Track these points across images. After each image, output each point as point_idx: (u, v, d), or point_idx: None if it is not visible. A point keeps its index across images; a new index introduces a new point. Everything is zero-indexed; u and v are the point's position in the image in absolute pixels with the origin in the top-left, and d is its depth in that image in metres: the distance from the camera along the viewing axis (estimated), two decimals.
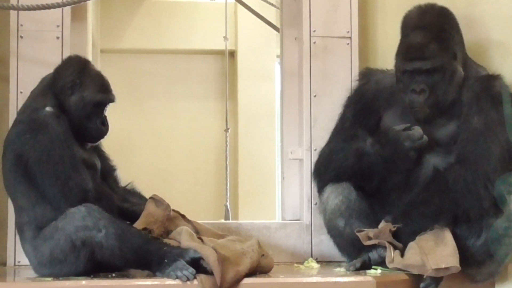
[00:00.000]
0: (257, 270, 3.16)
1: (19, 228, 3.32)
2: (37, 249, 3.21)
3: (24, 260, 3.48)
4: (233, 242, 3.21)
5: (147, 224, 3.36)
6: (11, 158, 3.27)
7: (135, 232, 3.15)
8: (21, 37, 3.86)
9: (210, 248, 3.03)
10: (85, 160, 3.36)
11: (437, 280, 3.15)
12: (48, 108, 3.29)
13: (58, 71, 3.46)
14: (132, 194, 3.60)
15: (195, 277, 2.97)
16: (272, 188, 7.36)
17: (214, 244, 3.13)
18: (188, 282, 2.96)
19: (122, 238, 3.06)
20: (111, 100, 3.49)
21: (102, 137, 3.51)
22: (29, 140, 3.22)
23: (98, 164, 3.50)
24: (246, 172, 7.60)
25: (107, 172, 3.59)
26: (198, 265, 3.02)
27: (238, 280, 3.01)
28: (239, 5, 6.13)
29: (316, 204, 3.89)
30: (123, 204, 3.49)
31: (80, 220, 3.07)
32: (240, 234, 3.76)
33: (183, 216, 3.51)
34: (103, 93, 3.46)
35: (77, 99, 3.39)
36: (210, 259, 2.97)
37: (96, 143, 3.55)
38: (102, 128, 3.46)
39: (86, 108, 3.41)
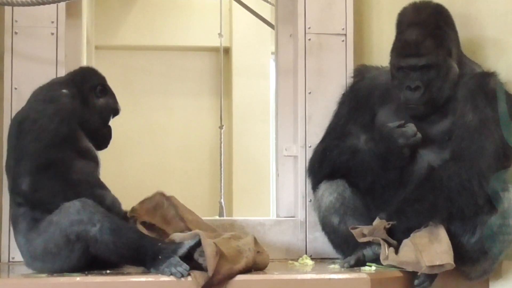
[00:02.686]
0: (252, 267, 3.15)
1: (14, 220, 3.28)
2: (30, 242, 3.19)
3: (18, 256, 3.46)
4: (229, 240, 3.19)
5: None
6: (14, 127, 3.27)
7: (130, 227, 3.15)
8: (16, 33, 3.85)
9: (210, 240, 3.03)
10: (88, 151, 3.38)
11: (431, 277, 3.16)
12: (65, 90, 3.35)
13: (83, 73, 3.56)
14: None
15: (189, 274, 2.96)
16: (267, 185, 7.34)
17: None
18: (182, 279, 2.96)
19: (117, 232, 3.05)
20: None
21: (107, 145, 3.58)
22: (37, 107, 3.27)
23: (99, 158, 3.49)
24: (241, 169, 7.58)
25: None
26: (191, 260, 3.02)
27: (231, 276, 3.01)
28: (234, 2, 6.14)
29: (310, 201, 3.89)
30: None
31: (75, 214, 3.06)
32: (234, 231, 3.75)
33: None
34: (118, 104, 3.60)
35: (104, 103, 3.52)
36: (208, 249, 2.97)
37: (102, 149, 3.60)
38: (111, 136, 3.57)
39: (109, 114, 3.55)
